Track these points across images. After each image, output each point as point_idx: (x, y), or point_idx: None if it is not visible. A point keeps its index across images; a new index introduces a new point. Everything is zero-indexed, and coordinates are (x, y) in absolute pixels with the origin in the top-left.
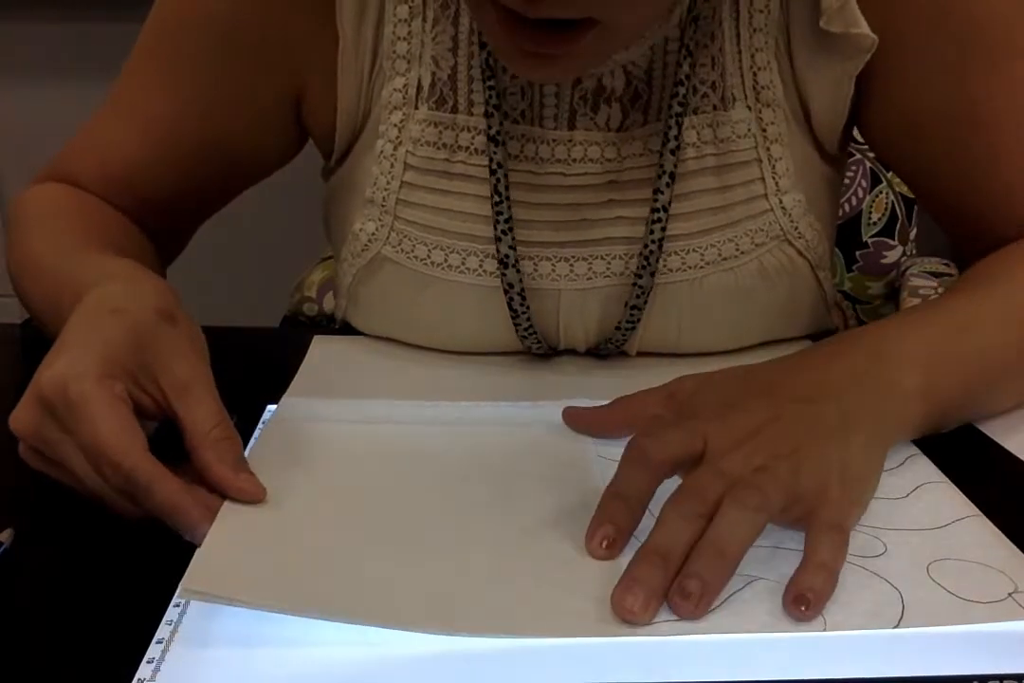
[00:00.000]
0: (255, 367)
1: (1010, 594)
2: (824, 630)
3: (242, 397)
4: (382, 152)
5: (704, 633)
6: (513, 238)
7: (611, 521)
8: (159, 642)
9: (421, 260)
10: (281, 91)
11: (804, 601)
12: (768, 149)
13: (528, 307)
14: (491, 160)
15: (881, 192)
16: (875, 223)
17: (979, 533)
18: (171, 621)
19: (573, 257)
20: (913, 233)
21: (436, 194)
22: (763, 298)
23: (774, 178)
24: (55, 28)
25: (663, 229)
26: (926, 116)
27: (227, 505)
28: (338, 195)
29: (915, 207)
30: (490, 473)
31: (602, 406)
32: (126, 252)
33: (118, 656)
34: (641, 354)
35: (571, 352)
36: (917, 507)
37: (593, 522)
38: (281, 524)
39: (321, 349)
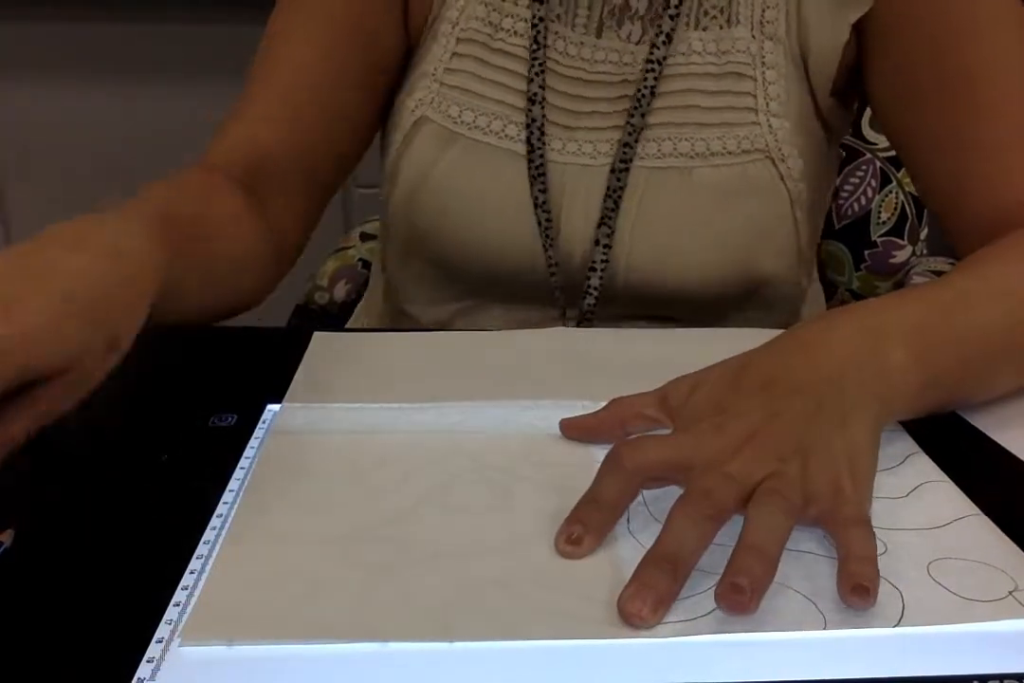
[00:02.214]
0: (256, 366)
1: (1010, 593)
2: (824, 629)
3: (243, 397)
4: (442, 31)
5: (704, 634)
6: (544, 80)
7: (580, 521)
8: (159, 642)
9: (452, 118)
10: (398, 11)
11: (863, 590)
12: (764, 73)
13: (544, 144)
14: (534, 16)
15: (891, 192)
16: (884, 222)
17: (979, 532)
18: (171, 621)
19: (583, 139)
20: (923, 233)
21: (477, 63)
22: (744, 209)
23: (766, 99)
24: (56, 28)
25: (656, 79)
26: (927, 76)
27: (228, 541)
28: (404, 88)
29: (925, 207)
30: (490, 479)
31: (596, 411)
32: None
33: (118, 656)
34: (641, 320)
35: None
36: (917, 506)
37: (563, 523)
38: (282, 554)
39: (320, 347)
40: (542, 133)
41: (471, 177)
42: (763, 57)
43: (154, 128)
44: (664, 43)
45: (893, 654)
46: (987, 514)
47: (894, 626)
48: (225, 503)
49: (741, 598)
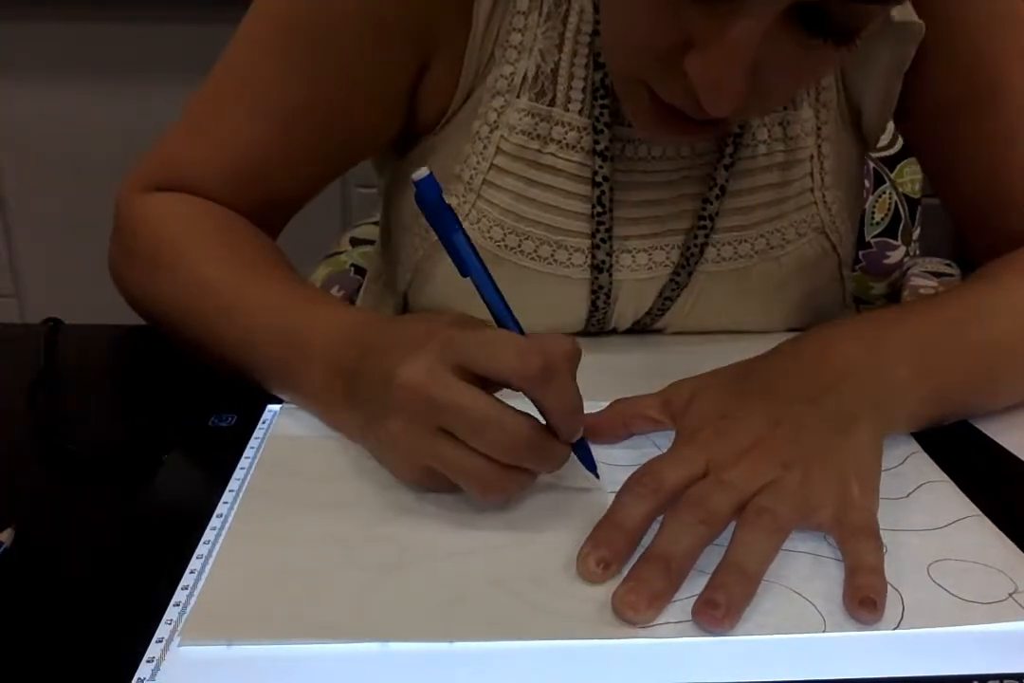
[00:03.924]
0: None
1: (1010, 594)
2: (824, 630)
3: (242, 397)
4: (478, 133)
5: (704, 634)
6: (611, 247)
7: (607, 547)
8: (159, 642)
9: (495, 242)
10: (411, 71)
11: (870, 603)
12: (820, 147)
13: (608, 305)
14: (596, 173)
15: (884, 192)
16: (878, 223)
17: (980, 533)
18: (171, 621)
19: (636, 249)
20: (916, 234)
21: (522, 181)
22: (798, 287)
23: (821, 175)
24: (56, 28)
25: (726, 180)
26: (954, 93)
27: (228, 541)
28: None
29: (919, 208)
30: None
31: (600, 411)
32: (285, 268)
33: (118, 656)
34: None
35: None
36: (918, 507)
37: (585, 546)
38: (282, 554)
39: None
40: (610, 281)
41: (518, 298)
42: (819, 131)
43: (154, 128)
44: (737, 134)
45: (893, 654)
46: (987, 515)
47: (894, 629)
48: (225, 503)
49: (716, 614)
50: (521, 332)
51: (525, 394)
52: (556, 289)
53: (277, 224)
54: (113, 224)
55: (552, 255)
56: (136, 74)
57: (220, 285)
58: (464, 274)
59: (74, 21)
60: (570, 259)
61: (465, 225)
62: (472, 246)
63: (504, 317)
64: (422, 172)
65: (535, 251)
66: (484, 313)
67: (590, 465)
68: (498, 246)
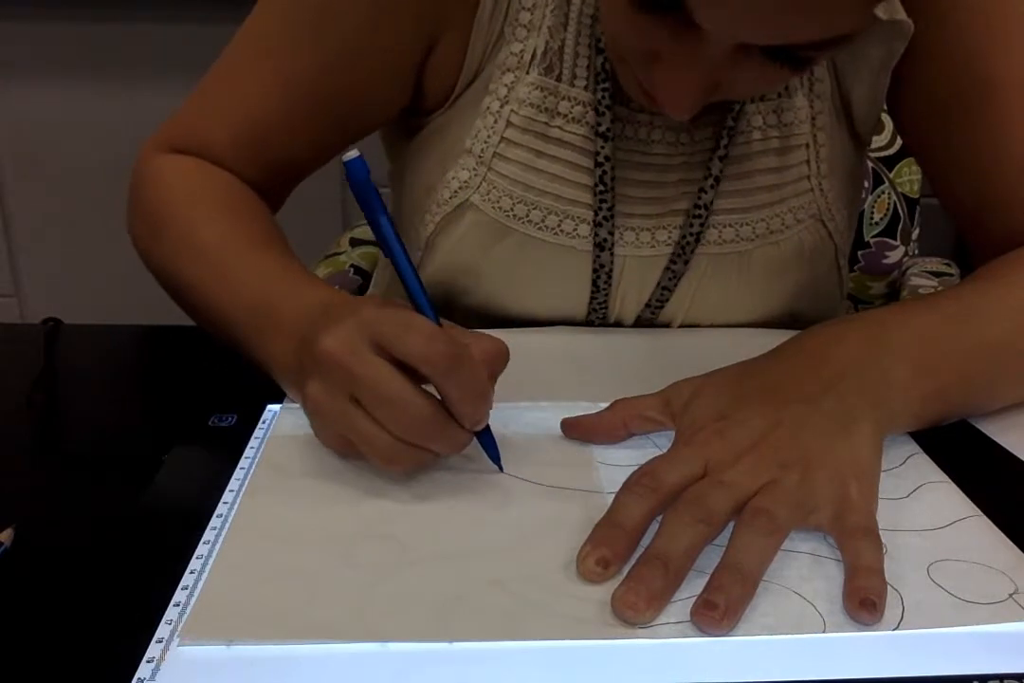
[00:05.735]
0: (256, 366)
1: (1011, 595)
2: (824, 631)
3: (242, 397)
4: (488, 108)
5: (704, 635)
6: (613, 225)
7: (608, 546)
8: (159, 642)
9: (504, 211)
10: (419, 47)
11: (870, 604)
12: (815, 136)
13: (610, 284)
14: (598, 153)
15: (883, 192)
16: (877, 223)
17: (980, 533)
18: (171, 621)
19: (639, 227)
20: (915, 234)
21: (531, 153)
22: (795, 275)
23: (817, 163)
24: (56, 28)
25: (721, 170)
26: (948, 91)
27: (228, 541)
28: (429, 147)
29: (917, 207)
30: (489, 479)
31: (600, 411)
32: (277, 241)
33: (118, 656)
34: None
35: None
36: (918, 507)
37: (585, 546)
38: (282, 554)
39: None
40: (611, 259)
41: (523, 269)
42: (814, 120)
43: (154, 128)
44: (730, 127)
45: (893, 655)
46: (987, 515)
47: (893, 629)
48: (225, 503)
49: (714, 615)
50: (436, 320)
51: (429, 380)
52: (561, 260)
53: (282, 191)
54: (130, 182)
55: (559, 225)
56: (136, 74)
57: (214, 250)
58: (387, 255)
59: (74, 21)
60: (576, 230)
61: (475, 197)
62: (395, 229)
63: (420, 302)
64: (352, 154)
65: (542, 221)
66: (490, 284)
67: (493, 455)
68: (507, 216)
